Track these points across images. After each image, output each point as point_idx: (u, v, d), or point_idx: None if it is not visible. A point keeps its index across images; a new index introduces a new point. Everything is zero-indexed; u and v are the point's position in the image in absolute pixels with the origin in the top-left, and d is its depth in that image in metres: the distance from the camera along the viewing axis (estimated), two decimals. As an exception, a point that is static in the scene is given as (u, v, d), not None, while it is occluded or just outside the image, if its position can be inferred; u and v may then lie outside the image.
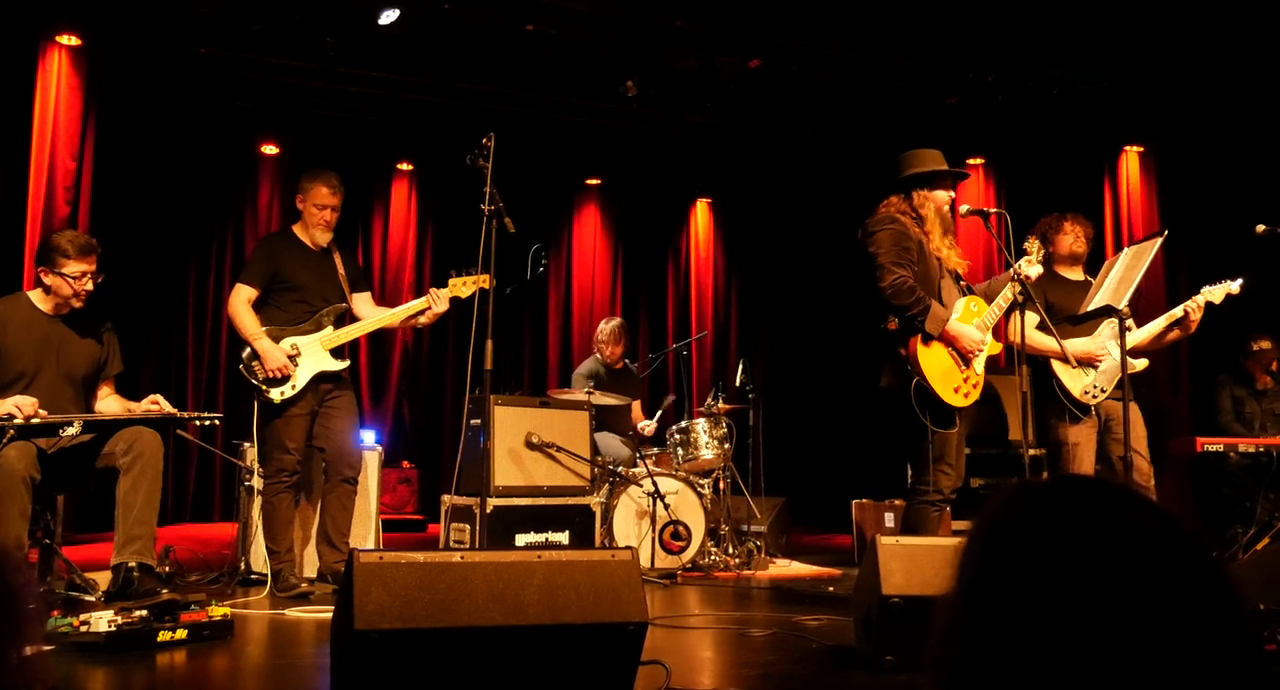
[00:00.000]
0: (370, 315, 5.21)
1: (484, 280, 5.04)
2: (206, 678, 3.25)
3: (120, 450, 4.33)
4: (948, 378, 4.35)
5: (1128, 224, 8.06)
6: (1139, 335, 5.04)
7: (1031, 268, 4.60)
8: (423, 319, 5.19)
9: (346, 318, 5.17)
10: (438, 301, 5.09)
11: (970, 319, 4.45)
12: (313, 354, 4.96)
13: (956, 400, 4.36)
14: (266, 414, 4.93)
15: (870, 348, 4.61)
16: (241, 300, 4.94)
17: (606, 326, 7.35)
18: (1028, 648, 0.87)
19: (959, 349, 4.38)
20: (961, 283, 4.61)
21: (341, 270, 5.17)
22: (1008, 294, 4.55)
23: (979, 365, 4.47)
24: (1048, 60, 7.52)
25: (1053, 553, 0.89)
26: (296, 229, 5.15)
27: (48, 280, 4.43)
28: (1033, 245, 4.71)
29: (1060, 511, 0.92)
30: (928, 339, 4.31)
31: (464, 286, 5.12)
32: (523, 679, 2.63)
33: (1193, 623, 0.85)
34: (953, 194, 4.64)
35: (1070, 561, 0.88)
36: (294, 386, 4.89)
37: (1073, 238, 5.19)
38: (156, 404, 4.54)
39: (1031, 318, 4.76)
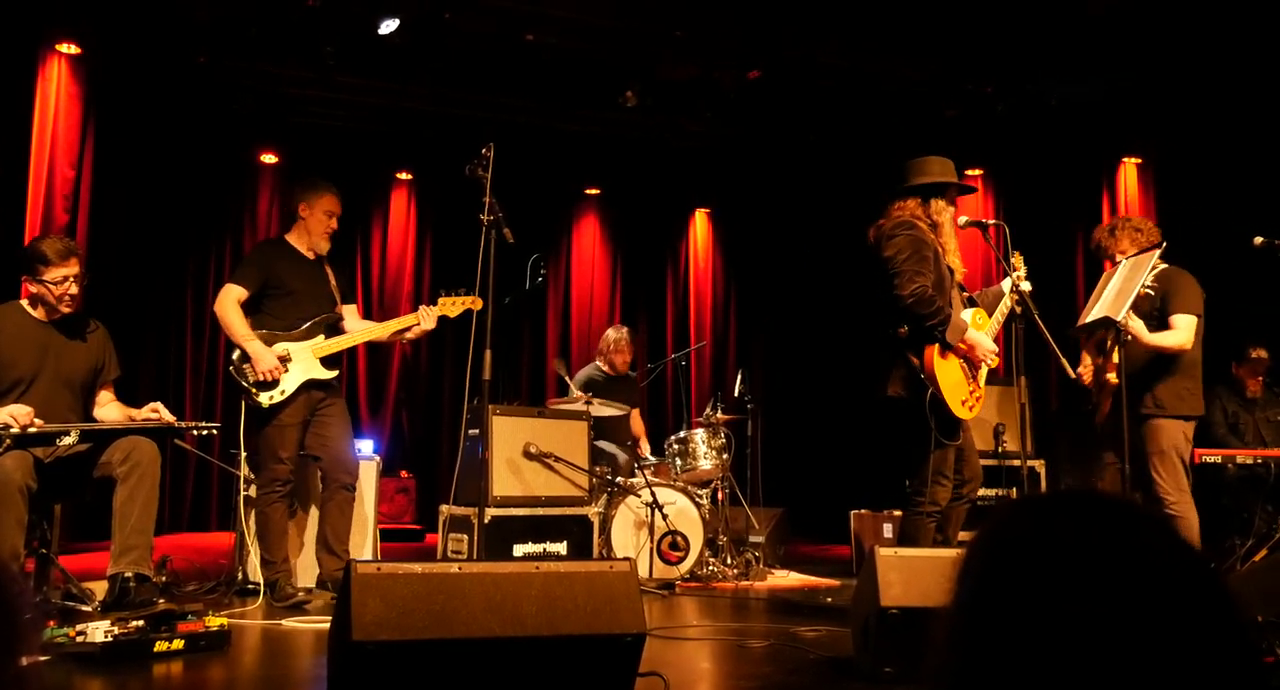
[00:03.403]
0: (357, 327, 5.22)
1: (473, 301, 5.07)
2: (203, 688, 3.24)
3: (117, 460, 4.32)
4: (957, 390, 4.34)
5: (1126, 235, 8.06)
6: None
7: (1023, 283, 4.60)
8: (409, 334, 5.22)
9: (337, 328, 5.17)
10: (426, 319, 5.14)
11: (977, 330, 4.45)
12: (303, 361, 4.96)
13: (963, 413, 4.36)
14: (257, 422, 4.93)
15: (869, 357, 4.60)
16: (231, 300, 4.93)
17: (616, 335, 7.31)
18: (1028, 660, 0.87)
19: (973, 358, 4.38)
20: (965, 293, 4.61)
21: (333, 280, 5.18)
22: (1006, 305, 4.55)
23: (982, 378, 4.48)
24: (1046, 72, 7.54)
25: (1053, 565, 0.89)
26: (290, 238, 5.17)
27: (32, 289, 4.43)
28: (1018, 260, 4.69)
29: (1061, 524, 0.92)
30: (944, 350, 4.29)
31: (453, 306, 5.15)
32: (520, 690, 2.62)
33: (1193, 635, 0.85)
34: (956, 209, 4.62)
35: (1070, 574, 0.88)
36: (283, 392, 4.88)
37: None
38: (156, 412, 4.53)
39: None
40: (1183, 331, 4.65)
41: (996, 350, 4.44)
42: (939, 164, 4.55)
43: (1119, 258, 4.89)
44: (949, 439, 4.33)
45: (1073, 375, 4.84)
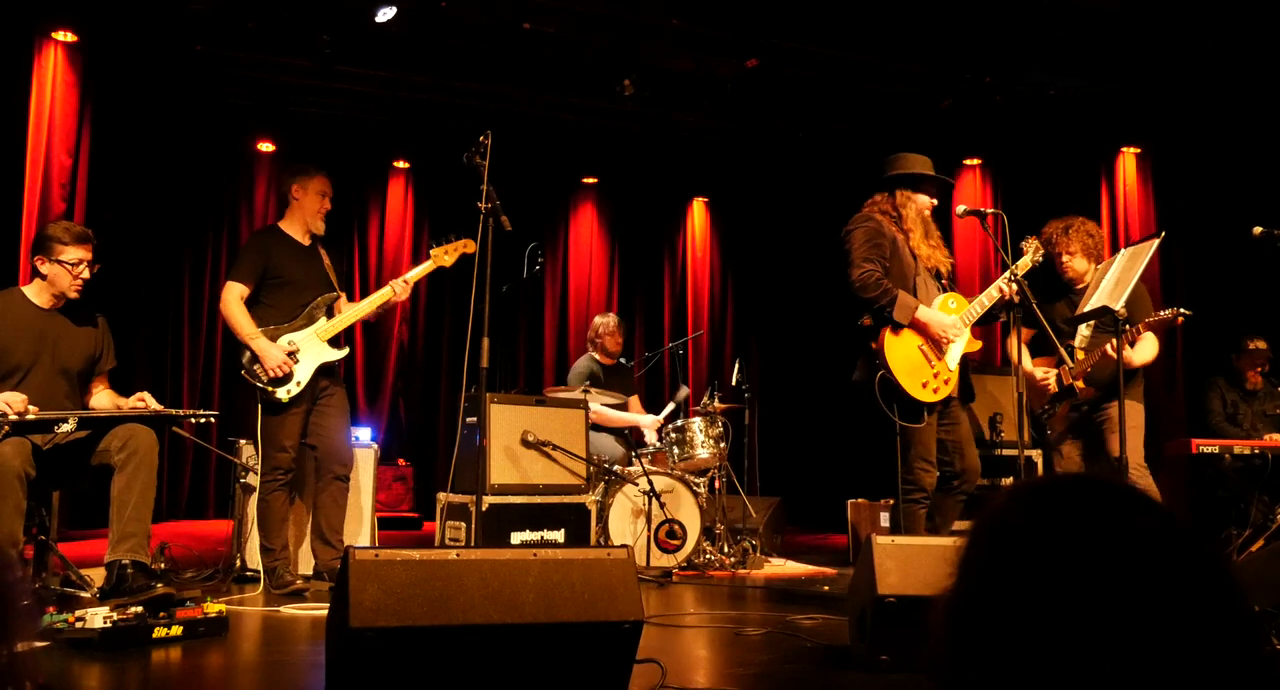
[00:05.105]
0: (349, 309, 5.22)
1: (465, 245, 5.06)
2: (201, 675, 3.25)
3: (115, 447, 4.32)
4: (916, 372, 4.41)
5: (1124, 225, 8.06)
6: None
7: (1020, 270, 4.66)
8: (390, 304, 5.22)
9: (335, 306, 5.17)
10: (400, 291, 5.13)
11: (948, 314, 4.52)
12: (311, 348, 4.96)
13: (924, 395, 4.42)
14: (261, 409, 4.93)
15: (858, 346, 4.65)
16: (235, 298, 4.93)
17: (606, 320, 7.33)
18: (1030, 648, 0.87)
19: (930, 335, 4.44)
20: (943, 281, 4.68)
21: (328, 262, 5.18)
22: (993, 293, 4.61)
23: (951, 360, 4.52)
24: (1043, 62, 7.52)
25: (1054, 552, 0.89)
26: (284, 224, 5.16)
27: (45, 269, 4.42)
28: (1029, 245, 4.74)
29: (1061, 511, 0.92)
30: (897, 329, 4.40)
31: (446, 255, 5.15)
32: (518, 677, 2.62)
33: (1197, 619, 0.85)
34: (935, 201, 4.74)
35: (1072, 561, 0.87)
36: (299, 383, 4.90)
37: None
38: (143, 402, 4.52)
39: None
40: (1153, 342, 4.94)
41: (954, 324, 4.48)
42: (912, 158, 4.70)
43: (1065, 257, 5.04)
44: (911, 421, 4.38)
45: (1070, 364, 4.85)
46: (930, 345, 4.45)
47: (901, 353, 4.40)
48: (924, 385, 4.41)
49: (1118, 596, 0.85)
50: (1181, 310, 4.59)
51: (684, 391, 7.25)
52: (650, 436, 7.10)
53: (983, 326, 4.87)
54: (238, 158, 9.27)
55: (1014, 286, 4.55)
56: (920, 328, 4.43)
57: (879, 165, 4.81)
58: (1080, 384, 4.81)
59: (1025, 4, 6.73)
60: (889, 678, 3.13)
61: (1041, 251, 4.80)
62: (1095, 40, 7.09)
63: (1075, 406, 4.98)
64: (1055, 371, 4.93)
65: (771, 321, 10.63)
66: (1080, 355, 4.93)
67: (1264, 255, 4.98)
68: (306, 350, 4.94)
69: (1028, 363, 5.02)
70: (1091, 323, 4.86)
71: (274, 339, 4.89)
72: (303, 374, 4.91)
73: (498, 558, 2.66)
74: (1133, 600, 0.85)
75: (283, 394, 4.85)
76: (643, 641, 2.73)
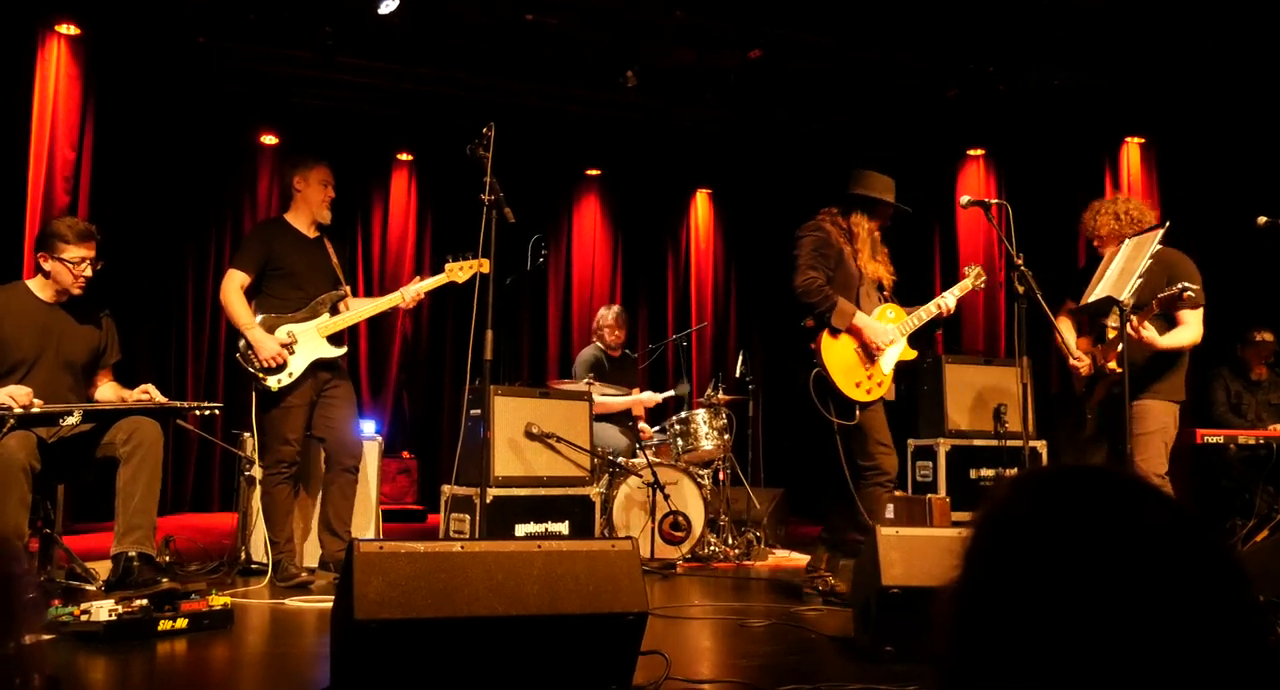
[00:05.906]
0: (358, 306, 5.22)
1: (482, 265, 5.05)
2: (207, 667, 3.26)
3: (120, 440, 4.33)
4: (850, 373, 4.63)
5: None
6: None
7: (950, 297, 4.82)
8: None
9: (341, 305, 5.16)
10: (407, 299, 5.14)
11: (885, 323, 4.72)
12: (309, 341, 4.96)
13: (857, 394, 4.62)
14: (265, 404, 4.93)
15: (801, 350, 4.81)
16: (234, 286, 4.94)
17: (609, 311, 7.35)
18: (1036, 639, 0.87)
19: (864, 341, 4.63)
20: (884, 292, 4.84)
21: (334, 257, 5.17)
22: (930, 309, 4.78)
23: (885, 365, 4.69)
24: (1046, 56, 7.49)
25: (1059, 543, 0.88)
26: (290, 216, 5.16)
27: (47, 266, 4.42)
28: (971, 271, 4.91)
29: (1066, 501, 0.92)
30: (835, 333, 4.61)
31: (460, 271, 5.16)
32: (523, 669, 2.63)
33: (1202, 610, 0.85)
34: (886, 224, 4.85)
35: (1077, 551, 0.87)
36: (291, 374, 4.89)
37: None
38: (147, 394, 4.52)
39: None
40: (1195, 326, 4.61)
41: (887, 334, 4.65)
42: (877, 181, 4.79)
43: (1096, 243, 4.92)
44: (844, 419, 4.61)
45: (1073, 358, 4.83)
46: (865, 350, 4.65)
47: (838, 354, 4.63)
48: (857, 385, 4.63)
49: (1123, 587, 0.85)
50: (1185, 285, 4.45)
51: (685, 386, 7.26)
52: (641, 407, 7.12)
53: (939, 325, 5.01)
54: (240, 150, 9.26)
55: (951, 306, 4.79)
56: (856, 333, 4.62)
57: (883, 156, 4.84)
58: (1113, 364, 4.72)
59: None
60: (893, 669, 3.13)
61: (983, 277, 4.92)
62: (1098, 33, 7.06)
63: (1109, 389, 4.85)
64: (1088, 358, 4.83)
65: (775, 313, 10.60)
66: (1111, 335, 4.83)
67: (1268, 246, 4.96)
68: (304, 343, 4.94)
69: (1072, 341, 4.94)
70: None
71: (273, 328, 4.89)
72: (296, 366, 4.91)
73: (502, 550, 2.66)
74: (1138, 590, 0.85)
75: (273, 383, 4.86)
76: (647, 633, 2.74)
